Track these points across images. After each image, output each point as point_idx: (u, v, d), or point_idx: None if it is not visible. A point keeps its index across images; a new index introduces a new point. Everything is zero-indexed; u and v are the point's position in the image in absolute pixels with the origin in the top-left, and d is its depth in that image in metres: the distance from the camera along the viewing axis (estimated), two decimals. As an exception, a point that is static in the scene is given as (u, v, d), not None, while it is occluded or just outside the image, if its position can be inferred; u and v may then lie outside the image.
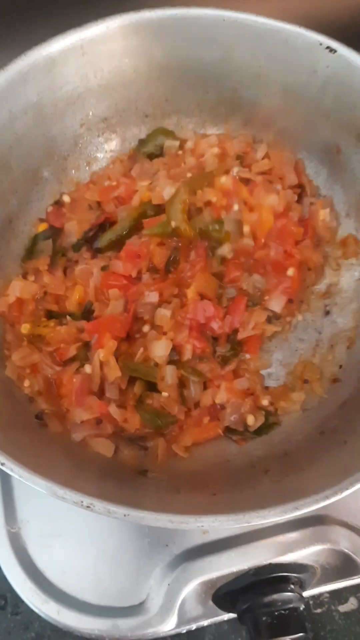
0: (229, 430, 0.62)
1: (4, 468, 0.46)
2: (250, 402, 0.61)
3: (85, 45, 0.64)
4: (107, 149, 0.74)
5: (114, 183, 0.70)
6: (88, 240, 0.68)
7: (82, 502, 0.45)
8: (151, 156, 0.73)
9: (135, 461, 0.58)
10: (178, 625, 0.60)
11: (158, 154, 0.73)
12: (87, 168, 0.73)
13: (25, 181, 0.68)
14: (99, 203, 0.70)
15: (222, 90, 0.71)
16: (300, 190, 0.71)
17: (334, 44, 0.63)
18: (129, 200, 0.68)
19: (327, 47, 0.63)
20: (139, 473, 0.57)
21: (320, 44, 0.63)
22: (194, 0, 0.66)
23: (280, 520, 0.45)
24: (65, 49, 0.64)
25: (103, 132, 0.73)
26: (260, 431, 0.61)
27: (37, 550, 0.61)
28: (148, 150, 0.73)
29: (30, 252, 0.68)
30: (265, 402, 0.62)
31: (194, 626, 0.64)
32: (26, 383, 0.60)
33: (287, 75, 0.67)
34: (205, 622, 0.65)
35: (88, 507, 0.44)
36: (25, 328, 0.62)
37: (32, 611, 0.60)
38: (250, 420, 0.61)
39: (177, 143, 0.72)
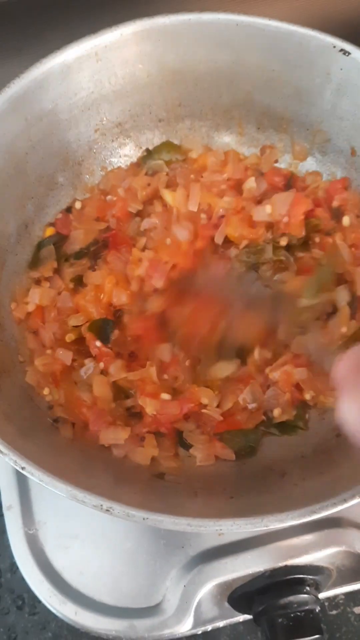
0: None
1: (24, 472, 0.46)
2: (289, 396, 0.61)
3: (99, 52, 0.65)
4: (121, 153, 0.74)
5: (115, 198, 0.70)
6: (90, 254, 0.68)
7: (101, 505, 0.45)
8: (155, 167, 0.73)
9: (152, 464, 0.59)
10: (194, 626, 0.60)
11: (159, 170, 0.73)
12: (101, 173, 0.74)
13: (41, 187, 0.69)
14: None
15: (236, 94, 0.71)
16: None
17: (348, 46, 0.62)
18: (126, 219, 0.68)
19: (341, 50, 0.63)
20: (156, 476, 0.57)
21: (334, 47, 0.63)
22: (207, 5, 0.66)
23: (298, 523, 0.46)
24: (80, 55, 0.64)
25: (117, 137, 0.73)
26: (285, 429, 0.61)
27: (55, 551, 0.62)
28: (152, 163, 0.73)
29: (36, 260, 0.68)
30: (308, 396, 0.62)
31: (209, 627, 0.65)
32: (45, 391, 0.60)
33: (301, 78, 0.67)
34: (220, 623, 0.65)
35: (107, 510, 0.45)
36: (69, 338, 0.63)
37: (49, 611, 0.61)
38: (277, 412, 0.61)
39: (181, 158, 0.73)
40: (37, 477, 0.46)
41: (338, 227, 0.68)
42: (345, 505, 0.45)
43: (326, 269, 0.64)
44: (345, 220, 0.67)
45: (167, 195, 0.68)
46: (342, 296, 0.64)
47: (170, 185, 0.70)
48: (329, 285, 0.64)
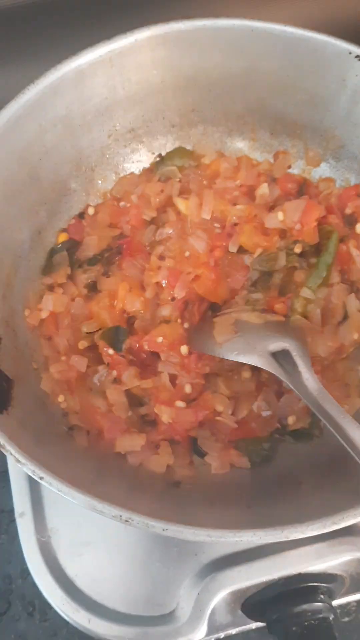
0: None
1: (42, 482, 0.46)
2: (304, 403, 0.60)
3: (114, 58, 0.64)
4: (134, 159, 0.74)
5: (128, 205, 0.70)
6: (104, 260, 0.68)
7: (120, 516, 0.45)
8: (167, 173, 0.73)
9: (167, 472, 0.59)
10: (208, 634, 0.60)
11: (172, 176, 0.73)
12: (114, 178, 0.74)
13: (54, 193, 0.68)
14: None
15: (249, 100, 0.71)
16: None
17: (364, 53, 0.62)
18: (140, 227, 0.68)
19: (357, 56, 0.62)
20: (172, 485, 0.57)
21: (350, 53, 0.63)
22: (221, 11, 0.66)
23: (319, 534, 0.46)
24: (94, 61, 0.64)
25: (130, 143, 0.73)
26: (299, 436, 0.61)
27: (67, 558, 0.62)
28: (165, 169, 0.73)
29: (49, 266, 0.68)
30: None
31: (222, 635, 0.64)
32: (60, 398, 0.60)
33: (316, 85, 0.67)
34: (233, 631, 0.65)
35: (127, 521, 0.45)
36: (82, 345, 0.62)
37: (60, 618, 0.61)
38: (291, 420, 0.61)
39: (194, 164, 0.73)
40: (55, 487, 0.46)
41: (351, 234, 0.68)
42: (366, 516, 0.45)
43: (325, 258, 0.65)
44: (359, 227, 0.67)
45: (181, 204, 0.68)
46: (352, 303, 0.64)
47: (183, 192, 0.70)
48: (328, 277, 0.64)
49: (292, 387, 0.53)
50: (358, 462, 0.47)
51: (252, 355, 0.56)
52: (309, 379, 0.53)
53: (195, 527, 0.44)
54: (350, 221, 0.68)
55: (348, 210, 0.69)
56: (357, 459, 0.46)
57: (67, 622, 0.61)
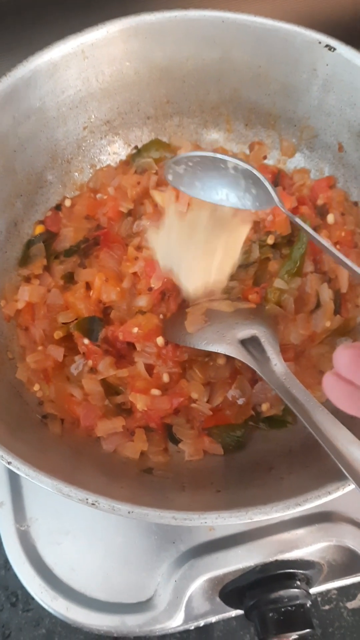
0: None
1: (10, 467, 0.47)
2: None
3: (86, 50, 0.65)
4: (110, 151, 0.75)
5: (105, 197, 0.71)
6: (80, 251, 0.68)
7: (87, 499, 0.45)
8: (144, 165, 0.74)
9: (141, 459, 0.59)
10: (185, 621, 0.61)
11: (148, 168, 0.73)
12: (90, 170, 0.74)
13: (30, 185, 0.69)
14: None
15: (223, 91, 0.72)
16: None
17: (333, 42, 0.63)
18: (117, 218, 0.68)
19: (327, 46, 0.63)
20: (144, 471, 0.58)
21: (320, 43, 0.63)
22: (193, 2, 0.67)
23: (284, 516, 0.46)
24: (67, 54, 0.64)
25: (106, 135, 0.74)
26: (273, 423, 0.62)
27: (46, 547, 0.62)
28: (141, 161, 0.74)
29: (25, 257, 0.68)
30: None
31: (202, 623, 0.65)
32: (35, 387, 0.61)
33: (287, 74, 0.67)
34: (213, 619, 0.65)
35: (93, 504, 0.45)
36: (57, 335, 0.63)
37: (42, 608, 0.61)
38: (265, 407, 0.61)
39: (170, 155, 0.73)
40: (23, 472, 0.47)
41: (323, 224, 0.68)
42: (330, 497, 0.45)
43: (298, 249, 0.65)
44: (330, 218, 0.68)
45: (157, 196, 0.68)
46: (325, 292, 0.65)
47: (160, 184, 0.70)
48: (301, 268, 0.65)
49: (261, 374, 0.53)
50: (323, 446, 0.47)
51: (222, 343, 0.57)
52: (277, 365, 0.53)
53: (161, 509, 0.45)
54: (322, 212, 0.69)
55: (320, 201, 0.69)
56: (321, 441, 0.46)
57: (49, 612, 0.61)
